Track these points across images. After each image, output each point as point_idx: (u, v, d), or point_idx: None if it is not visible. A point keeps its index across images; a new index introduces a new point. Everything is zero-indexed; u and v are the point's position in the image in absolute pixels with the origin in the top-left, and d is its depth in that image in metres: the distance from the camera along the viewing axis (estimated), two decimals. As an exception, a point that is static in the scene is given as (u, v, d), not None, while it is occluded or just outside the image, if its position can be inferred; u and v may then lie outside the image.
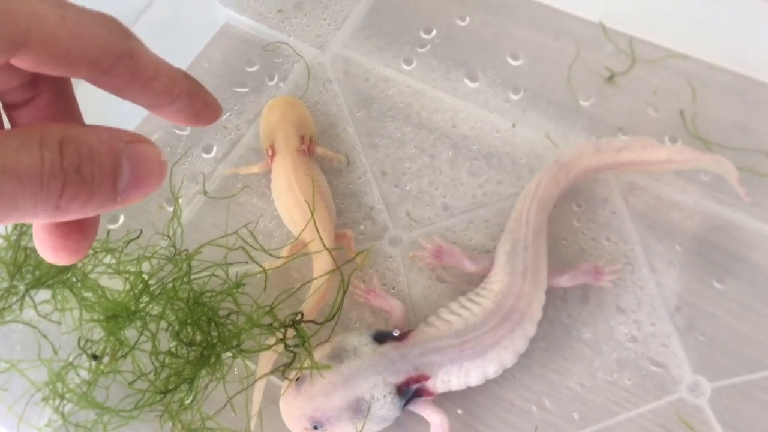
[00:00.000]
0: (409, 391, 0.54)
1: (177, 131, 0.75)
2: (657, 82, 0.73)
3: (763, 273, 0.63)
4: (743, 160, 0.66)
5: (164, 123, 0.75)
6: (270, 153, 0.68)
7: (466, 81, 0.75)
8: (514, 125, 0.72)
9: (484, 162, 0.70)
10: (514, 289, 0.58)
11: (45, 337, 0.59)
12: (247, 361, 0.58)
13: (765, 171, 0.66)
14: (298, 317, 0.54)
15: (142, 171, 0.27)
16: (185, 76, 0.31)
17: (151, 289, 0.55)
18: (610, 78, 0.73)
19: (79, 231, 0.30)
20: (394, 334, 0.57)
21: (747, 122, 0.69)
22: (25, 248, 0.59)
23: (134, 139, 0.27)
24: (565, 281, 0.62)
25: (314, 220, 0.59)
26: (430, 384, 0.55)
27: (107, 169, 0.25)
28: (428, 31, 0.79)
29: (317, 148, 0.69)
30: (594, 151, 0.64)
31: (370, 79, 0.77)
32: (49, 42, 0.25)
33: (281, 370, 0.53)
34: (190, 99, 0.31)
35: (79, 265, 0.58)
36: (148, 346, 0.54)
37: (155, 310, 0.55)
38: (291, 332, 0.54)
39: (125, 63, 0.27)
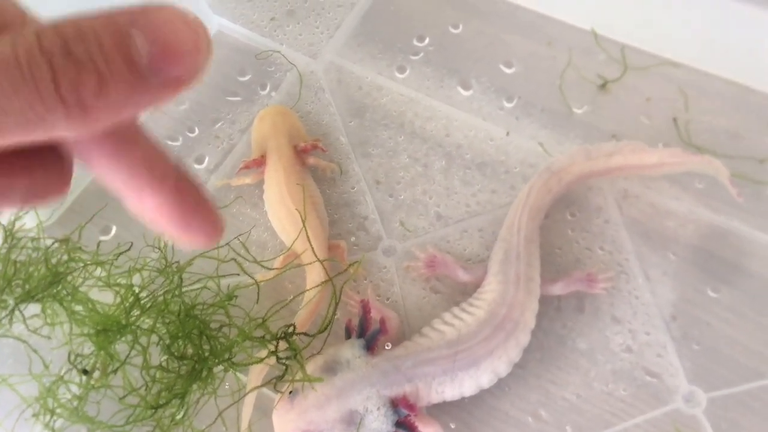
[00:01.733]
0: (401, 412, 0.53)
1: (168, 141, 0.75)
2: (650, 90, 0.72)
3: (758, 281, 0.62)
4: (737, 167, 0.66)
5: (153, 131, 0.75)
6: (259, 162, 0.67)
7: (460, 89, 0.75)
8: (507, 133, 0.72)
9: (478, 171, 0.70)
10: (507, 298, 0.57)
11: (35, 351, 0.58)
12: (239, 374, 0.58)
13: (758, 178, 0.66)
14: (291, 329, 0.54)
15: (167, 36, 0.21)
16: (178, 161, 0.26)
17: (142, 302, 0.55)
18: (603, 86, 0.73)
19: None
20: (386, 348, 0.56)
21: (740, 129, 0.69)
22: (15, 261, 0.58)
23: (143, 10, 0.21)
24: (558, 289, 0.61)
25: (306, 231, 0.58)
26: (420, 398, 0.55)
27: (109, 43, 0.20)
28: (421, 39, 0.79)
29: (310, 158, 0.69)
30: (585, 157, 0.64)
31: (363, 88, 0.77)
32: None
33: (273, 383, 0.53)
34: (178, 190, 0.25)
35: (69, 278, 0.57)
36: (138, 361, 0.53)
37: (146, 323, 0.55)
38: (283, 344, 0.53)
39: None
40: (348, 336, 0.58)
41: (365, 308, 0.58)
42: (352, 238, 0.68)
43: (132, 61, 0.20)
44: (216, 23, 0.83)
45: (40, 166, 0.25)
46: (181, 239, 0.26)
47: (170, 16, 0.21)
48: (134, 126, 0.25)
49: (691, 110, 0.71)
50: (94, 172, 0.25)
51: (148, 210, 0.25)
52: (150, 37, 0.21)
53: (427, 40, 0.79)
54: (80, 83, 0.20)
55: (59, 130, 0.21)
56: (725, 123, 0.70)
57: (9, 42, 0.20)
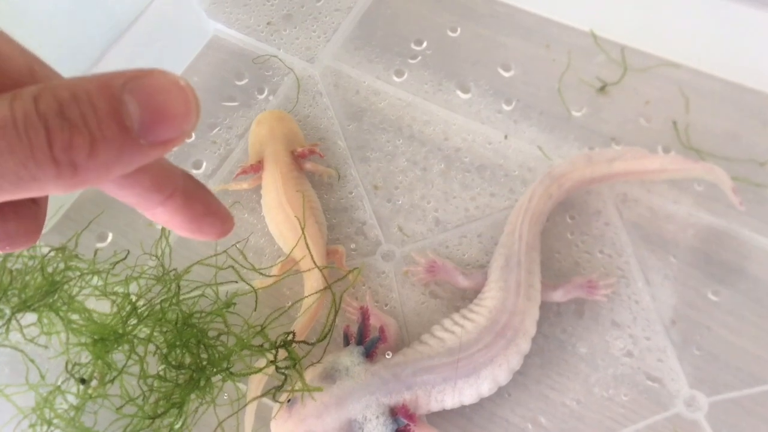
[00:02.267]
0: (401, 421, 0.53)
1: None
2: (649, 92, 0.72)
3: (758, 284, 0.62)
4: (737, 169, 0.65)
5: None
6: (256, 167, 0.67)
7: (458, 92, 0.75)
8: (506, 137, 0.71)
9: (477, 174, 0.70)
10: (507, 305, 0.57)
11: (32, 361, 0.57)
12: (238, 384, 0.57)
13: (759, 180, 0.66)
14: (289, 337, 0.53)
15: (158, 101, 0.22)
16: (184, 174, 0.27)
17: (139, 310, 0.54)
18: (602, 89, 0.73)
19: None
20: (387, 357, 0.56)
21: (740, 131, 0.69)
22: (11, 271, 0.58)
23: (136, 75, 0.22)
24: (558, 296, 0.61)
25: (305, 237, 0.58)
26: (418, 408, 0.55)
27: (103, 107, 0.21)
28: (419, 43, 0.78)
29: (307, 163, 0.69)
30: (586, 163, 0.63)
31: (360, 92, 0.76)
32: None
33: (272, 392, 0.52)
34: (187, 200, 0.27)
35: (66, 287, 0.57)
36: (136, 370, 0.53)
37: (143, 332, 0.54)
38: (282, 353, 0.53)
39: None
40: (346, 343, 0.58)
41: (364, 315, 0.57)
42: (351, 244, 0.67)
43: (123, 126, 0.22)
44: (212, 28, 0.82)
45: (14, 215, 0.26)
46: (194, 238, 0.28)
47: (162, 81, 0.22)
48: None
49: (691, 112, 0.70)
50: (106, 192, 0.26)
51: (160, 220, 0.27)
52: (142, 103, 0.22)
53: (424, 44, 0.78)
54: (73, 145, 0.21)
55: (48, 189, 0.22)
56: (725, 124, 0.69)
57: (7, 103, 0.21)
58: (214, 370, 0.52)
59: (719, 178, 0.61)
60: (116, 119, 0.21)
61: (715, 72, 0.72)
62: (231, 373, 0.52)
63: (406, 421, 0.53)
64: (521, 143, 0.71)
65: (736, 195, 0.60)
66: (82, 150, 0.21)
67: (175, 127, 0.22)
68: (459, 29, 0.79)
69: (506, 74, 0.75)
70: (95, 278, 0.58)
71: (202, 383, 0.52)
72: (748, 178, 0.65)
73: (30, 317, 0.58)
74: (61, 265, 0.59)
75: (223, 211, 0.29)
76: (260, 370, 0.52)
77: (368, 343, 0.56)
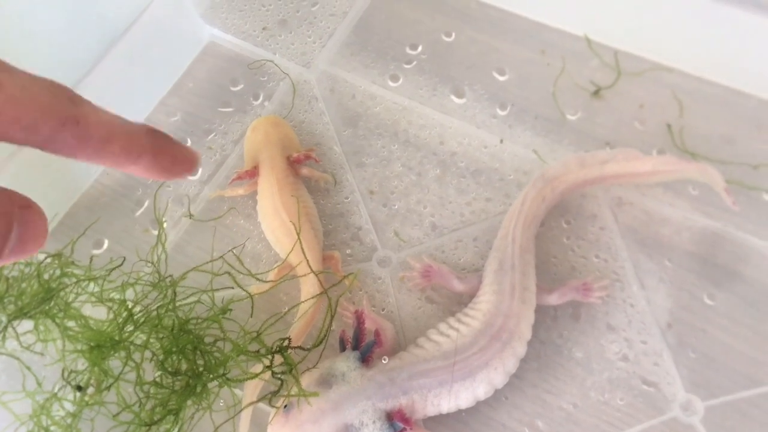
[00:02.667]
0: (397, 426, 0.53)
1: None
2: (643, 96, 0.72)
3: (753, 287, 0.62)
4: (731, 172, 0.66)
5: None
6: (251, 173, 0.67)
7: (453, 97, 0.75)
8: (501, 141, 0.72)
9: (472, 179, 0.70)
10: (502, 308, 0.57)
11: (28, 368, 0.57)
12: (234, 390, 0.57)
13: (753, 184, 0.66)
14: (286, 343, 0.53)
15: (29, 237, 0.27)
16: (148, 132, 0.30)
17: (136, 317, 0.54)
18: (596, 93, 0.73)
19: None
20: (383, 362, 0.56)
21: (734, 135, 0.69)
22: (7, 278, 0.58)
23: (26, 204, 0.27)
24: (554, 299, 0.61)
25: (301, 243, 0.58)
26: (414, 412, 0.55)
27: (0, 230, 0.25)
28: (414, 48, 0.79)
29: (303, 168, 0.69)
30: (579, 165, 0.63)
31: (356, 97, 0.76)
32: None
33: (269, 397, 0.52)
34: (154, 156, 0.30)
35: (62, 294, 0.57)
36: (132, 377, 0.53)
37: (140, 339, 0.54)
38: (279, 358, 0.53)
39: (71, 129, 0.27)
40: (342, 348, 0.58)
41: (359, 319, 0.58)
42: (347, 249, 0.67)
43: (2, 249, 0.26)
44: (208, 33, 0.82)
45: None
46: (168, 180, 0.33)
47: (39, 222, 0.27)
48: (109, 130, 0.29)
49: (685, 115, 0.70)
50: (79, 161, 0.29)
51: (135, 174, 0.31)
52: (19, 233, 0.26)
53: (419, 49, 0.79)
54: None
55: None
56: (719, 128, 0.70)
57: None
58: (211, 376, 0.52)
59: (712, 179, 0.62)
60: (1, 245, 0.26)
61: (709, 76, 0.72)
62: (227, 379, 0.52)
63: (402, 426, 0.53)
64: (516, 147, 0.71)
65: (729, 195, 0.61)
66: None
67: (22, 257, 0.27)
68: (454, 34, 0.79)
69: (501, 78, 0.76)
70: (91, 285, 0.58)
71: (198, 389, 0.52)
72: (743, 181, 0.66)
73: (26, 324, 0.58)
74: (58, 272, 0.59)
75: (188, 156, 0.32)
76: (256, 375, 0.52)
77: (364, 347, 0.56)
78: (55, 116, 0.26)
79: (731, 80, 0.71)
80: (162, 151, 0.31)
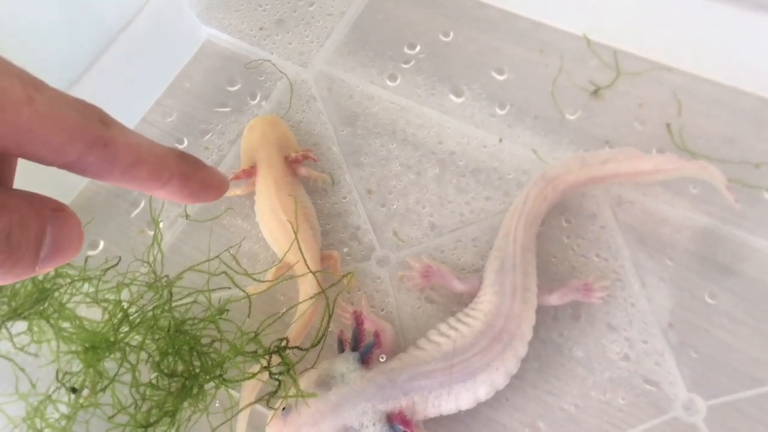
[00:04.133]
0: (397, 428, 0.52)
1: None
2: (643, 95, 0.72)
3: (754, 286, 0.62)
4: (731, 171, 0.65)
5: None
6: (249, 173, 0.67)
7: (452, 96, 0.75)
8: (500, 140, 0.71)
9: (472, 178, 0.69)
10: (503, 309, 0.56)
11: (22, 370, 0.57)
12: (231, 391, 0.57)
13: (753, 182, 0.66)
14: (283, 343, 0.53)
15: (63, 241, 0.26)
16: (178, 157, 0.29)
17: (131, 318, 0.54)
18: (596, 92, 0.73)
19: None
20: (381, 360, 0.55)
21: (734, 134, 0.69)
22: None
23: (59, 207, 0.26)
24: (555, 299, 0.61)
25: (298, 242, 0.57)
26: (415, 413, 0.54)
27: (32, 237, 0.25)
28: (412, 47, 0.78)
29: (301, 168, 0.68)
30: (580, 165, 0.63)
31: (354, 96, 0.76)
32: (8, 119, 0.23)
33: (266, 399, 0.52)
34: (183, 181, 0.29)
35: (56, 294, 0.56)
36: (128, 378, 0.52)
37: (135, 340, 0.54)
38: (276, 359, 0.52)
39: (98, 152, 0.26)
40: (341, 349, 0.57)
41: (358, 320, 0.57)
42: (345, 249, 0.67)
43: (37, 255, 0.25)
44: (205, 33, 0.82)
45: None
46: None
47: (73, 224, 0.26)
48: (138, 153, 0.28)
49: (685, 114, 0.70)
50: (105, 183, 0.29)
51: (161, 198, 0.30)
52: (54, 237, 0.25)
53: (418, 48, 0.78)
54: (2, 265, 0.24)
55: None
56: (719, 127, 0.69)
57: None
58: (207, 377, 0.52)
59: (713, 177, 0.61)
60: (36, 250, 0.25)
61: (708, 75, 0.72)
62: (224, 380, 0.51)
63: (402, 428, 0.52)
64: (516, 147, 0.71)
65: (730, 192, 0.60)
66: (3, 269, 0.24)
67: (59, 263, 0.26)
68: (452, 33, 0.79)
69: (500, 78, 0.75)
70: (86, 285, 0.57)
71: (195, 391, 0.52)
72: (743, 180, 0.65)
73: (20, 325, 0.57)
74: (52, 273, 0.58)
75: (217, 181, 0.31)
76: (254, 376, 0.52)
77: (363, 348, 0.56)
78: (85, 138, 0.25)
79: (730, 79, 0.71)
80: (191, 176, 0.30)
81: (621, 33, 0.74)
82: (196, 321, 0.54)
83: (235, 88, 0.78)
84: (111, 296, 0.56)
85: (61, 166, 0.26)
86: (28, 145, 0.24)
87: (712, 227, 0.65)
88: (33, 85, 0.24)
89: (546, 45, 0.76)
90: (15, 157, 0.28)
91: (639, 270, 0.63)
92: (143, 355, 0.52)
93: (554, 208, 0.65)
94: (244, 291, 0.54)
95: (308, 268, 0.58)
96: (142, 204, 0.71)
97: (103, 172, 0.27)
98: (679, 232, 0.65)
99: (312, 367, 0.55)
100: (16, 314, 0.56)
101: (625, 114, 0.71)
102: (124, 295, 0.56)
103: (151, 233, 0.68)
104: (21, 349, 0.57)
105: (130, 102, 0.76)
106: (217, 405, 0.59)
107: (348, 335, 0.57)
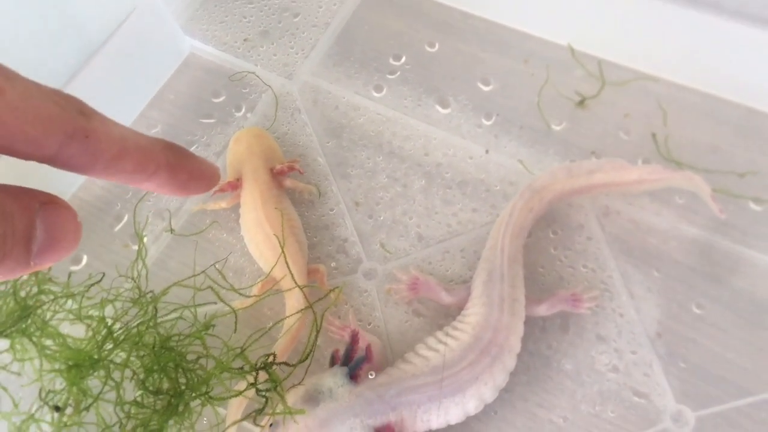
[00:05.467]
0: None
1: (142, 166, 0.73)
2: (628, 105, 0.72)
3: (741, 296, 0.62)
4: (717, 181, 0.65)
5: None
6: (234, 185, 0.66)
7: (438, 107, 0.74)
8: (487, 151, 0.71)
9: (458, 190, 0.69)
10: (491, 321, 0.56)
11: (4, 389, 0.56)
12: (218, 408, 0.56)
13: (739, 192, 0.66)
14: (270, 359, 0.52)
15: (57, 233, 0.25)
16: (165, 147, 0.29)
17: (115, 334, 0.53)
18: (581, 102, 0.73)
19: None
20: (370, 377, 0.55)
21: (719, 143, 0.69)
22: (-19, 296, 0.56)
23: (49, 200, 0.25)
24: (543, 310, 0.60)
25: (285, 256, 0.57)
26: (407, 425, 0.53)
27: (20, 230, 0.24)
28: (398, 58, 0.78)
29: (287, 180, 0.68)
30: (566, 175, 0.63)
31: (339, 108, 0.76)
32: None
33: (253, 416, 0.51)
34: (171, 172, 0.29)
35: (39, 311, 0.55)
36: (112, 396, 0.51)
37: (119, 357, 0.53)
38: (263, 375, 0.52)
39: (80, 144, 0.25)
40: (332, 364, 0.56)
41: (353, 338, 0.56)
42: (332, 262, 0.66)
43: (28, 248, 0.24)
44: (188, 45, 0.81)
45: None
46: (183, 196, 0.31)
47: (67, 215, 0.26)
48: (122, 145, 0.27)
49: (670, 124, 0.70)
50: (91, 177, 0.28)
51: (149, 189, 0.29)
52: (47, 230, 0.25)
53: (403, 59, 0.78)
54: None
55: None
56: (704, 137, 0.70)
57: None
58: (193, 394, 0.51)
59: (698, 187, 0.61)
60: (26, 243, 0.24)
61: (694, 85, 0.72)
62: (210, 398, 0.51)
63: None
64: (502, 157, 0.71)
65: (715, 202, 0.60)
66: None
67: (57, 257, 0.25)
68: (437, 44, 0.79)
69: (485, 89, 0.75)
70: (69, 302, 0.56)
71: (180, 409, 0.51)
72: (729, 190, 0.66)
73: (2, 344, 0.56)
74: (35, 289, 0.57)
75: (207, 171, 0.31)
76: (240, 393, 0.51)
77: (353, 363, 0.55)
78: (63, 129, 0.24)
79: (716, 89, 0.71)
80: (178, 166, 0.29)
81: (606, 43, 0.75)
82: (181, 337, 0.53)
83: (220, 99, 0.77)
84: (95, 313, 0.55)
85: (41, 160, 0.25)
86: (1, 138, 0.23)
87: (699, 237, 0.65)
88: (4, 75, 0.23)
89: (531, 55, 0.76)
90: None
91: (626, 280, 0.63)
92: (128, 372, 0.52)
93: (541, 218, 0.65)
94: (230, 306, 0.54)
95: (295, 282, 0.57)
96: (126, 218, 0.70)
97: (86, 166, 0.26)
98: (666, 243, 0.65)
99: (300, 383, 0.54)
100: (-3, 332, 0.55)
101: (610, 124, 0.72)
102: (108, 311, 0.56)
103: (135, 248, 0.67)
104: (3, 368, 0.56)
105: (114, 114, 0.74)
106: (204, 423, 0.58)
107: (342, 352, 0.57)
